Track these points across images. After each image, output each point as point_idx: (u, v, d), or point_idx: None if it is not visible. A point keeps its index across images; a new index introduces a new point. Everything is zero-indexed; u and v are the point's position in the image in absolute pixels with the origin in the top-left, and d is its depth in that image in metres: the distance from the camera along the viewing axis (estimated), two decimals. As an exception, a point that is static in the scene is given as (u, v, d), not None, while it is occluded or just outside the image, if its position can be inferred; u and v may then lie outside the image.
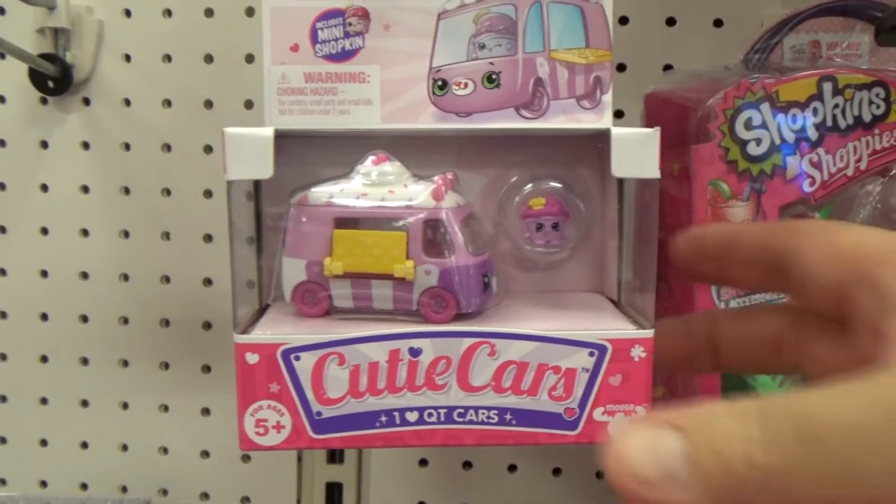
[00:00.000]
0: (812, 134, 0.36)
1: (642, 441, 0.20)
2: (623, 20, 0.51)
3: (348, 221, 0.30)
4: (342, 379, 0.28)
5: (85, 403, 0.57)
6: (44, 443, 0.57)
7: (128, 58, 0.54)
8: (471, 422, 0.29)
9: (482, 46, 0.30)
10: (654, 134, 0.29)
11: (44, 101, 0.54)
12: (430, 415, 0.29)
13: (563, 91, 0.30)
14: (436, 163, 0.33)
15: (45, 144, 0.55)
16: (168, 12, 0.53)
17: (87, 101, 0.54)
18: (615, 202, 0.34)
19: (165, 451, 0.57)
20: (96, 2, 0.53)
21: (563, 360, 0.28)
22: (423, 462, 0.57)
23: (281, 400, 0.28)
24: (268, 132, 0.28)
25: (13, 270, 0.56)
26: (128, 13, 0.53)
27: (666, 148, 0.38)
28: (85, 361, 0.56)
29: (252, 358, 0.28)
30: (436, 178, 0.31)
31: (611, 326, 0.29)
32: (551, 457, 0.56)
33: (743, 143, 0.36)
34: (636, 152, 0.29)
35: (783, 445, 0.18)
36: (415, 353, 0.28)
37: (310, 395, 0.28)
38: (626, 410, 0.29)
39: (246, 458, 0.57)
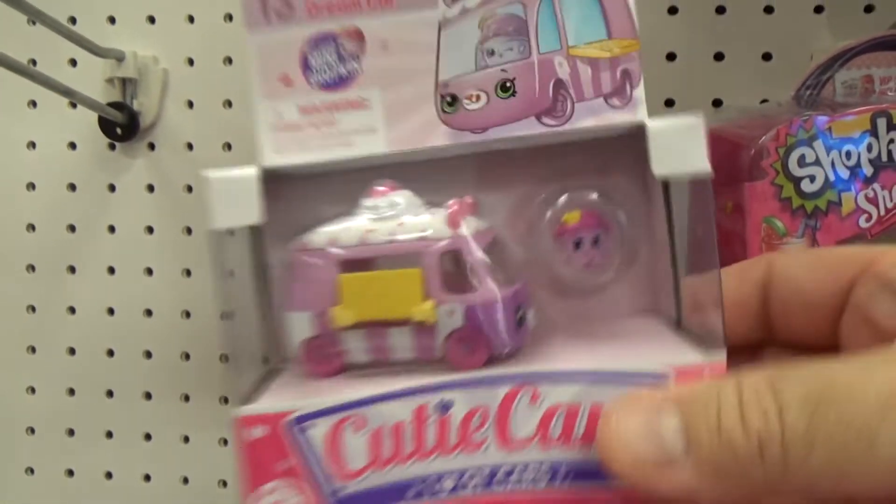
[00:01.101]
0: (867, 170, 0.36)
1: (639, 418, 0.19)
2: (671, 56, 0.52)
3: (356, 264, 0.26)
4: (362, 447, 0.24)
5: (148, 437, 0.58)
6: (108, 475, 0.59)
7: (190, 104, 0.56)
8: (517, 484, 0.24)
9: (491, 53, 0.26)
10: (697, 121, 0.25)
11: (112, 147, 0.57)
12: (469, 479, 0.24)
13: (587, 91, 0.26)
14: (453, 188, 0.28)
15: (112, 188, 0.57)
16: (228, 60, 0.55)
17: (152, 146, 0.57)
18: (662, 210, 0.29)
19: (224, 483, 0.58)
20: (161, 51, 0.56)
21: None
22: None
23: (294, 477, 0.24)
24: (251, 172, 0.26)
25: (81, 308, 0.58)
26: (191, 62, 0.56)
27: (719, 185, 0.38)
28: (148, 396, 0.58)
29: (258, 431, 0.24)
30: (450, 202, 0.26)
31: (672, 352, 0.25)
32: None
33: (797, 181, 0.36)
34: (678, 145, 0.25)
35: (789, 411, 0.17)
36: (444, 408, 0.24)
37: (326, 469, 0.24)
38: None
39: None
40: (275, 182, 0.27)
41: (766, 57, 0.51)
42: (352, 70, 0.27)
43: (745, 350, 0.27)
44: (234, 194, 0.26)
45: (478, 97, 0.26)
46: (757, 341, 0.27)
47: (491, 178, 0.30)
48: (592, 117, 0.26)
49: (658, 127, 0.25)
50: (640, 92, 0.26)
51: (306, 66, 0.27)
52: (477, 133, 0.27)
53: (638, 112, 0.26)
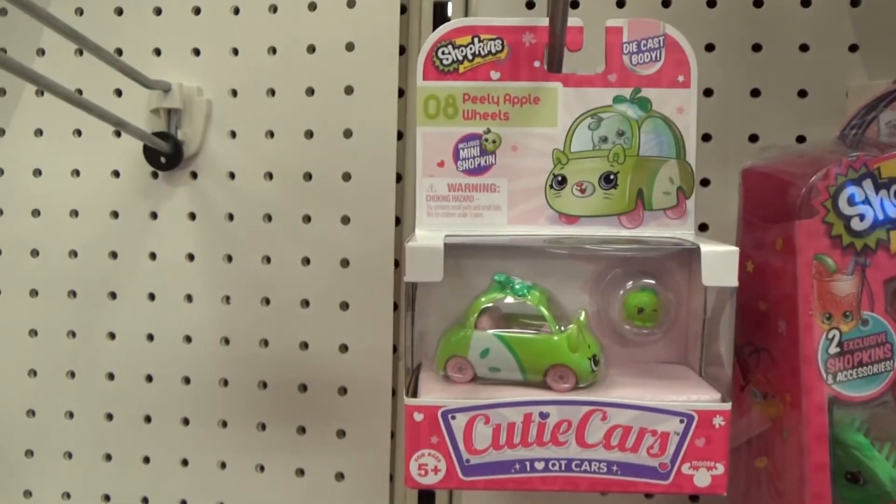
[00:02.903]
0: (915, 209, 0.37)
1: None
2: (708, 92, 0.53)
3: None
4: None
5: (185, 462, 0.59)
6: (145, 500, 0.59)
7: (233, 134, 0.57)
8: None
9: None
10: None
11: (154, 175, 0.58)
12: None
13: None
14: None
15: (154, 215, 0.58)
16: (271, 92, 0.57)
17: (194, 175, 0.58)
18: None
19: (259, 510, 0.59)
20: (206, 83, 0.57)
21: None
22: (512, 526, 0.57)
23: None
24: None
25: (122, 333, 0.59)
26: (234, 93, 0.57)
27: (768, 222, 0.39)
28: (186, 422, 0.59)
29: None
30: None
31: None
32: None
33: (846, 219, 0.37)
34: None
35: None
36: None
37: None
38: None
39: (337, 519, 0.58)
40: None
41: (802, 94, 0.52)
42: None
43: None
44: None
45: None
46: None
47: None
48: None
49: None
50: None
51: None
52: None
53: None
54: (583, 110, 0.38)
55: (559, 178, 0.37)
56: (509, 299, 0.37)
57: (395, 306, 0.57)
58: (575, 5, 0.54)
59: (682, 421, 0.35)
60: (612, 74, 0.38)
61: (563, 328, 0.36)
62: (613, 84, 0.38)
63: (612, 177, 0.37)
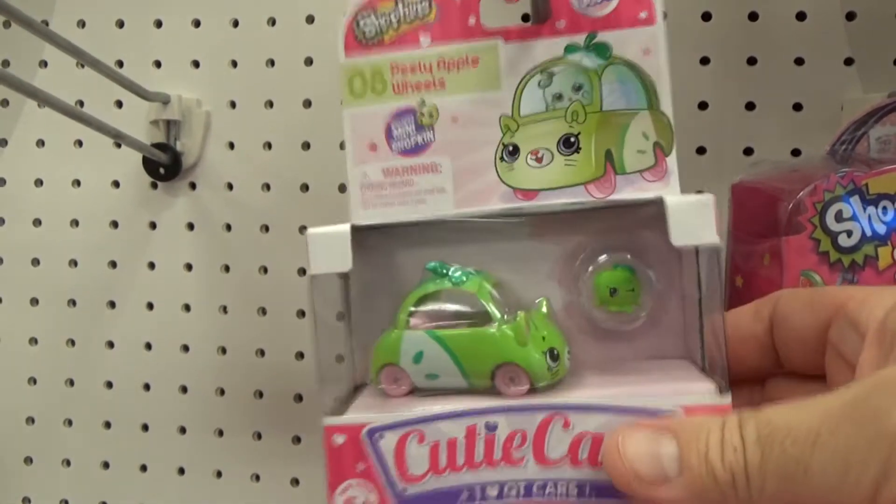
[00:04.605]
0: (904, 225, 0.37)
1: (643, 442, 0.24)
2: (702, 105, 0.53)
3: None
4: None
5: (181, 471, 0.59)
6: (141, 508, 0.60)
7: (231, 145, 0.58)
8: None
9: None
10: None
11: (154, 186, 0.59)
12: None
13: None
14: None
15: (153, 225, 0.59)
16: (270, 103, 0.57)
17: (193, 186, 0.58)
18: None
19: (255, 519, 0.59)
20: (205, 95, 0.58)
21: None
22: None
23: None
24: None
25: (119, 343, 0.59)
26: (233, 104, 0.58)
27: (756, 237, 0.39)
28: (183, 430, 0.59)
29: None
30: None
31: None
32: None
33: (834, 235, 0.37)
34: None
35: (749, 448, 0.21)
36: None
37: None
38: None
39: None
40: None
41: (797, 107, 0.52)
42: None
43: (758, 378, 0.31)
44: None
45: (541, 158, 0.31)
46: (769, 371, 0.30)
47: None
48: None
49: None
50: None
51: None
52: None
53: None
54: (529, 67, 0.32)
55: (510, 149, 0.32)
56: (447, 290, 0.31)
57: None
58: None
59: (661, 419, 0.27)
60: (559, 21, 0.32)
61: (508, 319, 0.30)
62: (562, 31, 0.32)
63: (572, 139, 0.31)
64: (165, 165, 0.57)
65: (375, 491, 0.29)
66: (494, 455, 0.28)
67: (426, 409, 0.29)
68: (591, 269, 0.32)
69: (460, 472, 0.28)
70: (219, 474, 0.59)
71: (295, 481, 0.58)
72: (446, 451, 0.28)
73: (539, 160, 0.32)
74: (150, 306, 0.59)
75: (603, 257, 0.32)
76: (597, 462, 0.27)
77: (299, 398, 0.58)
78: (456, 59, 0.32)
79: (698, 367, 0.31)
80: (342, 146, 0.56)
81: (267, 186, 0.57)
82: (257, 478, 0.59)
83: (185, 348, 0.59)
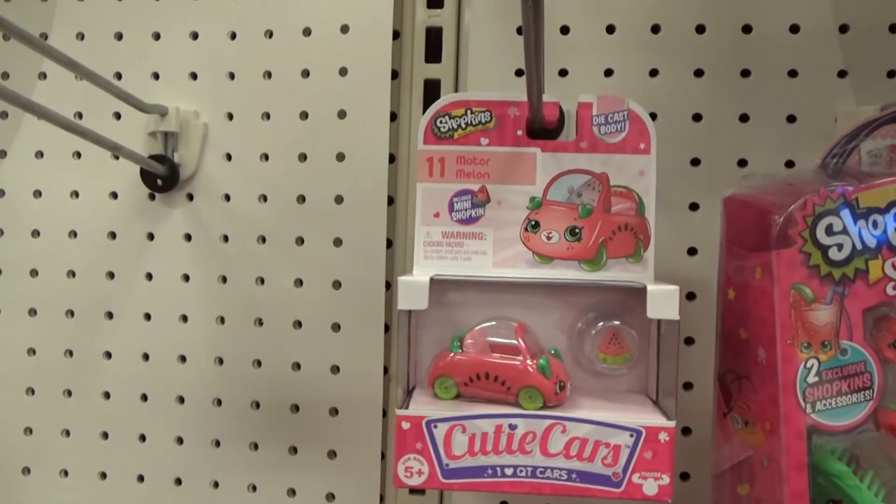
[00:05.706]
0: (894, 238, 0.37)
1: None
2: (696, 117, 0.53)
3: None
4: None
5: (178, 481, 0.59)
6: (139, 519, 0.60)
7: (229, 157, 0.58)
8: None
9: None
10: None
11: (151, 197, 0.59)
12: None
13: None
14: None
15: (151, 236, 0.59)
16: (266, 115, 0.57)
17: (190, 197, 0.58)
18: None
19: (252, 529, 0.59)
20: (202, 107, 0.58)
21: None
22: (502, 548, 0.57)
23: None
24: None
25: (117, 353, 0.60)
26: (230, 116, 0.58)
27: (748, 251, 0.39)
28: (180, 441, 0.59)
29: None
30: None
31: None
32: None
33: (824, 249, 0.37)
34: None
35: None
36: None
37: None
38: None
39: (329, 539, 0.58)
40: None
41: (791, 119, 0.52)
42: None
43: None
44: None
45: (550, 237, 0.44)
46: None
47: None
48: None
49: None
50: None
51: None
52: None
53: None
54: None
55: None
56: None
57: (387, 328, 0.57)
58: (563, 73, 0.55)
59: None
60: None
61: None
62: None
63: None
64: (163, 177, 0.57)
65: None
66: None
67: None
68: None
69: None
70: (216, 484, 0.59)
71: (291, 492, 0.58)
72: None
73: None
74: (148, 317, 0.59)
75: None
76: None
77: (296, 409, 0.58)
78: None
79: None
80: (339, 158, 0.57)
81: (264, 198, 0.58)
82: (254, 488, 0.59)
83: (183, 359, 0.59)
